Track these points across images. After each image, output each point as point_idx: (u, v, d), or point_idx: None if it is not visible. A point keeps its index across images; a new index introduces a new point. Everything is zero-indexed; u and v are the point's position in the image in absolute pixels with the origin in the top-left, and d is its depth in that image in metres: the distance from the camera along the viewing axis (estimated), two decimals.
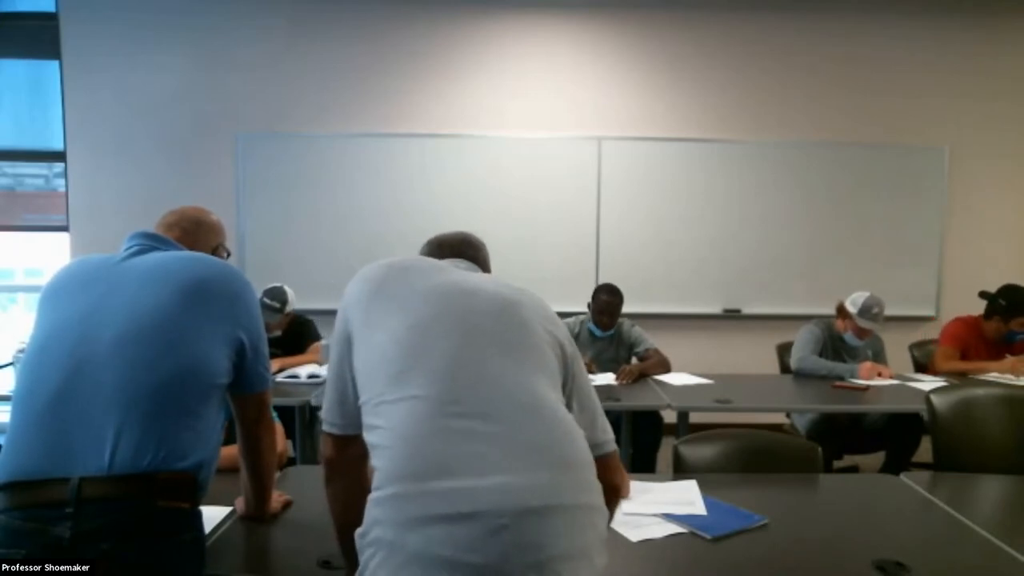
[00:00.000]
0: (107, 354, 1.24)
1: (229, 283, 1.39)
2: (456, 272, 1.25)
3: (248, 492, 1.60)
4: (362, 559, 1.02)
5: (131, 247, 1.43)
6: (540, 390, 1.09)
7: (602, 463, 1.18)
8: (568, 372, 1.19)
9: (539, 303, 1.23)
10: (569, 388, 1.19)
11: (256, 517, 1.60)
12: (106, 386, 1.21)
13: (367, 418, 1.10)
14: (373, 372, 1.12)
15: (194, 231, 1.54)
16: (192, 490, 1.26)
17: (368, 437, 1.09)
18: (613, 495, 1.21)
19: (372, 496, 1.03)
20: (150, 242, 1.44)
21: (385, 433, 1.06)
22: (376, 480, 1.04)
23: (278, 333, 3.46)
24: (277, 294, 3.42)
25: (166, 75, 4.70)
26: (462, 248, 1.40)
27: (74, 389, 1.22)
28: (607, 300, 3.52)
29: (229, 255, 1.63)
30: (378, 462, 1.05)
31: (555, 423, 1.07)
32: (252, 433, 1.52)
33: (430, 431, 1.02)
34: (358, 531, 1.04)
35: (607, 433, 1.22)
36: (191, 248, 1.49)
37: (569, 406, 1.17)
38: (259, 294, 3.52)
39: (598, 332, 3.58)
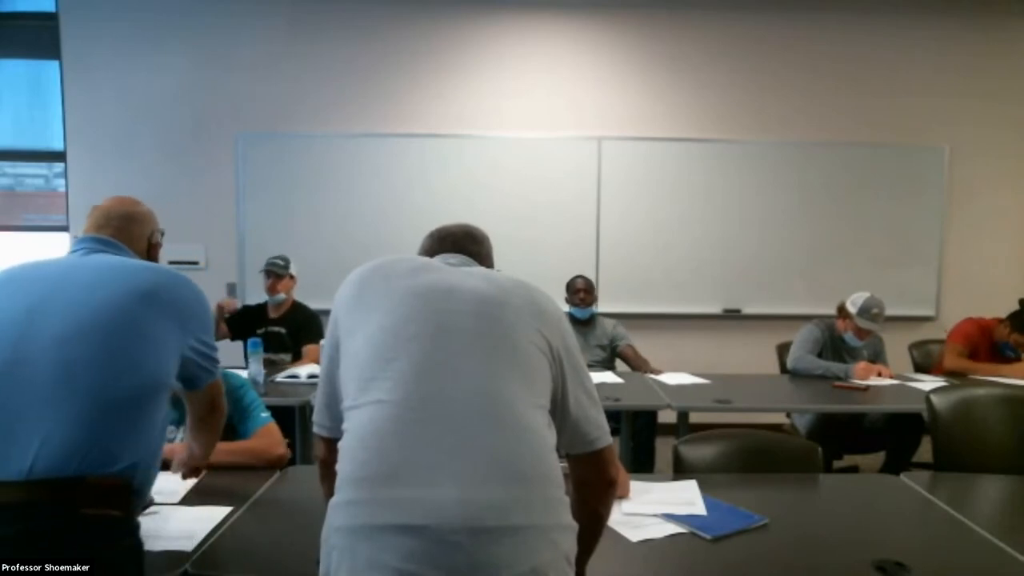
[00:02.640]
0: (45, 353, 1.19)
1: (180, 289, 1.38)
2: (441, 270, 1.20)
3: (192, 446, 1.66)
4: (322, 564, 1.02)
5: (77, 250, 1.42)
6: (511, 396, 1.05)
7: (596, 456, 1.18)
8: (559, 368, 1.14)
9: (529, 298, 1.17)
10: (561, 385, 1.14)
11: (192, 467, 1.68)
12: (41, 386, 1.17)
13: (344, 423, 1.10)
14: (349, 376, 1.11)
15: (127, 227, 1.50)
16: (125, 496, 1.19)
17: (341, 441, 1.09)
18: (607, 488, 1.21)
19: (331, 502, 1.03)
20: (98, 245, 1.43)
21: (348, 437, 1.06)
22: (336, 485, 1.04)
23: (283, 295, 3.62)
24: (280, 256, 3.67)
25: (166, 75, 4.70)
26: (463, 242, 1.36)
27: (5, 389, 1.17)
28: (581, 279, 3.85)
29: (164, 235, 1.62)
30: (338, 466, 1.05)
31: (521, 433, 1.03)
32: (203, 422, 1.57)
33: (389, 436, 1.01)
34: (321, 537, 1.03)
35: (600, 428, 1.19)
36: (128, 244, 1.48)
37: (559, 403, 1.14)
38: (259, 295, 3.64)
39: (578, 314, 3.79)
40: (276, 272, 3.60)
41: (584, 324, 3.80)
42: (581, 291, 3.79)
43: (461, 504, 0.95)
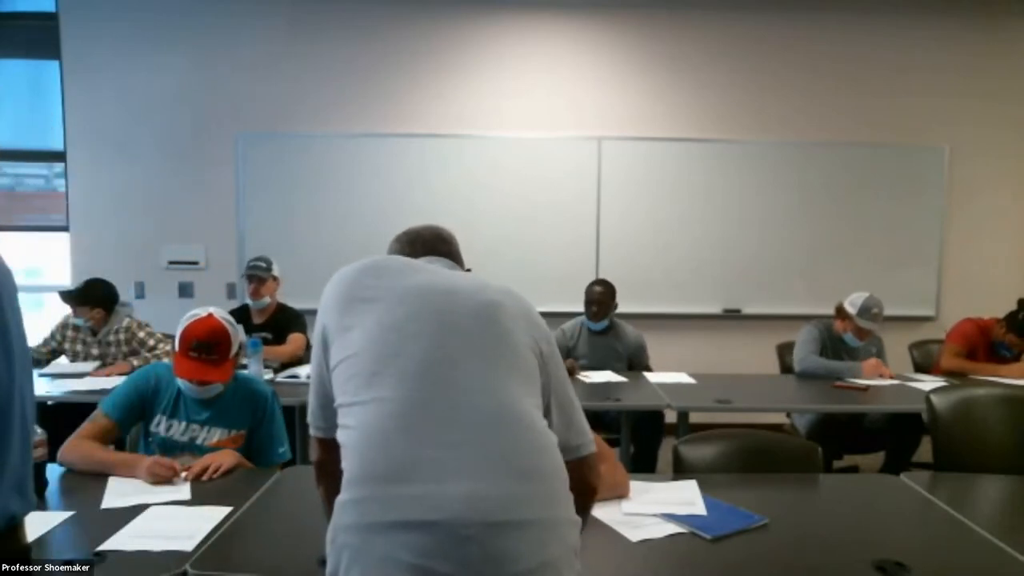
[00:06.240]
0: None
1: None
2: (433, 271, 1.22)
3: None
4: (331, 562, 1.01)
5: None
6: (512, 395, 1.07)
7: (580, 464, 1.18)
8: (547, 373, 1.16)
9: (520, 303, 1.19)
10: (548, 389, 1.16)
11: None
12: None
13: (341, 419, 1.09)
14: (347, 374, 1.10)
15: None
16: None
17: (340, 438, 1.08)
18: (589, 495, 1.21)
19: (338, 500, 1.03)
20: None
21: (352, 434, 1.06)
22: (343, 483, 1.03)
23: (267, 299, 3.56)
24: (261, 258, 3.59)
25: (166, 75, 4.70)
26: (434, 243, 1.37)
27: None
28: (597, 291, 3.63)
29: None
30: (344, 464, 1.05)
31: (524, 431, 1.05)
32: None
33: (395, 434, 1.01)
34: (327, 536, 1.03)
35: (584, 435, 1.20)
36: None
37: (548, 408, 1.16)
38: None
39: (593, 326, 3.65)
40: (259, 275, 3.51)
41: (600, 334, 3.66)
42: (592, 304, 3.58)
43: (470, 499, 0.96)
